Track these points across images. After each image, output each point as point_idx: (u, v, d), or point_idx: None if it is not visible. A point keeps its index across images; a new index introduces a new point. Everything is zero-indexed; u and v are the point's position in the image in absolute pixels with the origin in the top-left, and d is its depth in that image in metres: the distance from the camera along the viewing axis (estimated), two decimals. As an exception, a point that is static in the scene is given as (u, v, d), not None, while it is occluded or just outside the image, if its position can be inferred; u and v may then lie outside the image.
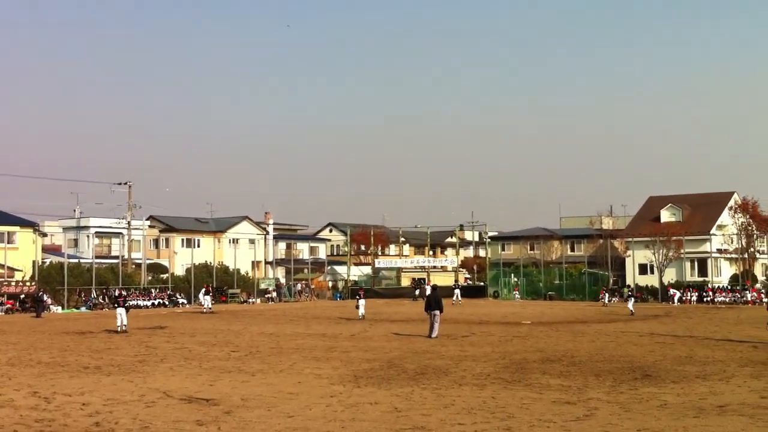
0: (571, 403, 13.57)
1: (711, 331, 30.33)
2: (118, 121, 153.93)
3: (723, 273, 66.61)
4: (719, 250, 66.23)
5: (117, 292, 51.70)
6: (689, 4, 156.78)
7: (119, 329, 30.76)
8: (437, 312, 27.21)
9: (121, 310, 31.68)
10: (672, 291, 58.07)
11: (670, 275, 63.33)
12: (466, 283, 76.50)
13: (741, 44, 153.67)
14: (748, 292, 56.58)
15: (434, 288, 31.39)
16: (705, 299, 57.11)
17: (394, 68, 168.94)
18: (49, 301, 50.23)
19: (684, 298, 57.38)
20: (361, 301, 39.21)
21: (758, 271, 66.86)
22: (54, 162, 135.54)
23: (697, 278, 64.23)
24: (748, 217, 64.23)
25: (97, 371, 18.36)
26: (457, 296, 56.83)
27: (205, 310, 47.17)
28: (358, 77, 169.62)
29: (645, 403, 13.61)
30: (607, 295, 56.18)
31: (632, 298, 45.47)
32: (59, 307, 50.95)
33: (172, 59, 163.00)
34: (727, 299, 56.52)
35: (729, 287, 59.40)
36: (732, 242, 65.16)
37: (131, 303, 53.17)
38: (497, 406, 13.32)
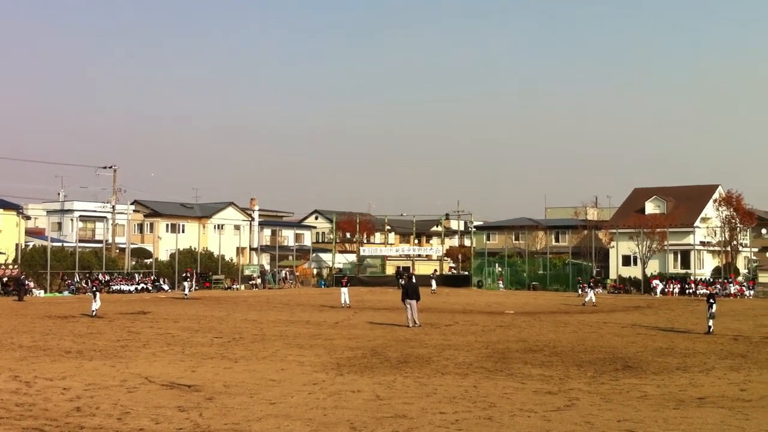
0: (553, 393, 13.64)
1: (692, 323, 30.50)
2: (103, 105, 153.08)
3: (706, 265, 66.98)
4: (702, 243, 66.57)
5: (101, 277, 51.95)
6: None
7: (92, 313, 30.82)
8: (413, 301, 27.22)
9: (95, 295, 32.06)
10: (654, 282, 58.33)
11: (653, 267, 63.60)
12: (450, 273, 76.55)
13: (725, 37, 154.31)
14: (732, 285, 56.84)
15: (410, 277, 31.30)
16: (687, 291, 57.42)
17: (380, 56, 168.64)
18: (32, 284, 49.92)
19: (666, 290, 57.66)
20: (344, 290, 38.99)
21: (741, 264, 67.25)
22: (38, 145, 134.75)
23: (679, 270, 64.55)
24: (731, 210, 64.48)
25: (79, 356, 18.30)
26: (433, 285, 56.88)
27: (184, 296, 46.71)
28: (345, 64, 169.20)
29: (625, 394, 13.70)
30: (586, 287, 56.06)
31: (592, 288, 44.40)
32: (42, 291, 50.65)
33: (156, 44, 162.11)
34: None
35: (711, 279, 59.71)
36: (715, 235, 65.48)
37: (114, 288, 53.33)
38: (479, 395, 13.37)
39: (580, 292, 54.77)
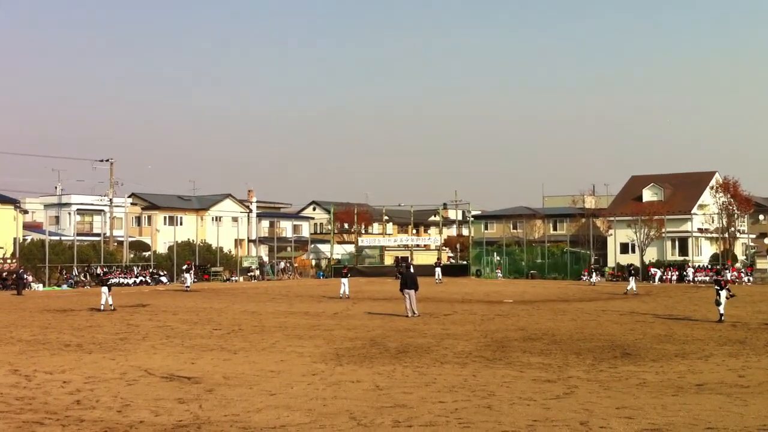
0: (552, 381, 13.67)
1: (690, 310, 30.57)
2: (100, 98, 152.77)
3: (704, 252, 67.02)
4: (700, 230, 66.58)
5: (99, 270, 51.91)
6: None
7: (102, 308, 30.28)
8: (412, 291, 27.23)
9: (104, 289, 31.00)
10: (653, 270, 58.38)
11: (651, 254, 63.66)
12: (449, 262, 76.56)
13: (722, 25, 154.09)
14: (728, 271, 56.80)
15: (408, 267, 31.24)
16: (685, 278, 57.43)
17: (377, 46, 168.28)
18: (30, 278, 49.87)
19: (664, 277, 57.71)
20: (344, 280, 38.98)
21: (738, 250, 67.27)
22: (35, 138, 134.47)
23: (677, 257, 64.59)
24: (729, 196, 64.44)
25: (79, 349, 18.30)
26: (438, 275, 57.14)
27: (185, 287, 46.91)
28: (341, 55, 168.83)
29: (624, 381, 13.73)
30: (593, 273, 56.32)
31: (633, 276, 44.25)
32: (40, 285, 50.63)
33: (154, 36, 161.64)
34: (707, 278, 56.79)
35: (709, 266, 59.73)
36: (713, 222, 65.49)
37: (113, 281, 53.19)
38: (478, 384, 13.39)
39: (589, 279, 55.24)
